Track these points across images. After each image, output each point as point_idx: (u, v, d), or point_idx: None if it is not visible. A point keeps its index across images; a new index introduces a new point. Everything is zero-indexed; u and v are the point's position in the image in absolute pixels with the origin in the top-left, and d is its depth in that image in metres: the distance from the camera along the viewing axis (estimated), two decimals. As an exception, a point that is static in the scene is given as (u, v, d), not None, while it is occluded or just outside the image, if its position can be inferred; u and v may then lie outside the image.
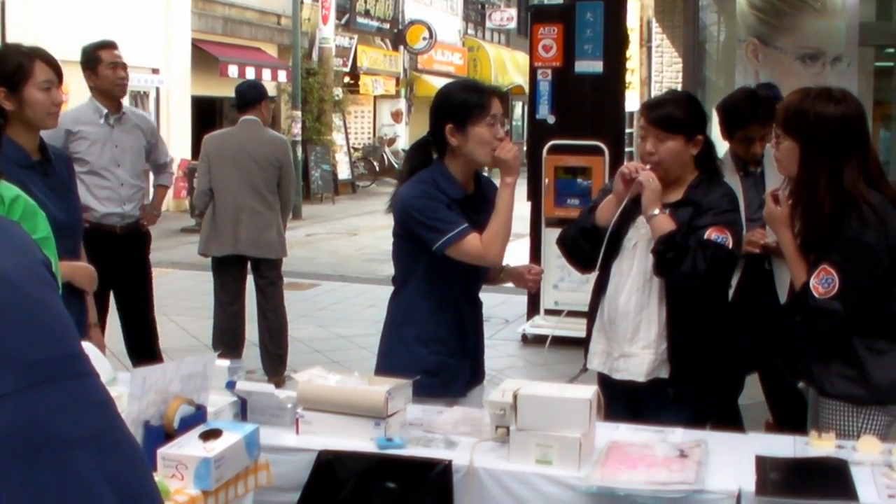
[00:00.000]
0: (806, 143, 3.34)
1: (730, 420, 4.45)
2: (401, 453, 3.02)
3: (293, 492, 3.00)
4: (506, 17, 37.33)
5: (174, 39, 19.40)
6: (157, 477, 2.38)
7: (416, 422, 3.25)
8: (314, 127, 23.66)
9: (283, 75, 22.29)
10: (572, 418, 2.92)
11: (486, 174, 3.92)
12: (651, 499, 2.72)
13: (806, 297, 3.31)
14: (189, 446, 2.64)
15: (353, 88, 27.45)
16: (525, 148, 8.99)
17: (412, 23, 30.32)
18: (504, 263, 3.86)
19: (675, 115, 3.72)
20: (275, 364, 7.11)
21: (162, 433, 2.69)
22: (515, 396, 2.93)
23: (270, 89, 7.56)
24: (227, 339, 6.96)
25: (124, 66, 6.10)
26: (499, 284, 4.29)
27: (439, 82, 30.26)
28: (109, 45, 6.09)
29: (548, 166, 8.35)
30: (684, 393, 3.70)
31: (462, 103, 3.63)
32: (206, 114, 21.09)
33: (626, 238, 3.79)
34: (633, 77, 17.73)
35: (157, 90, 19.28)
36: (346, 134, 26.53)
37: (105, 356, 5.88)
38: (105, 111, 6.00)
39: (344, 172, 25.85)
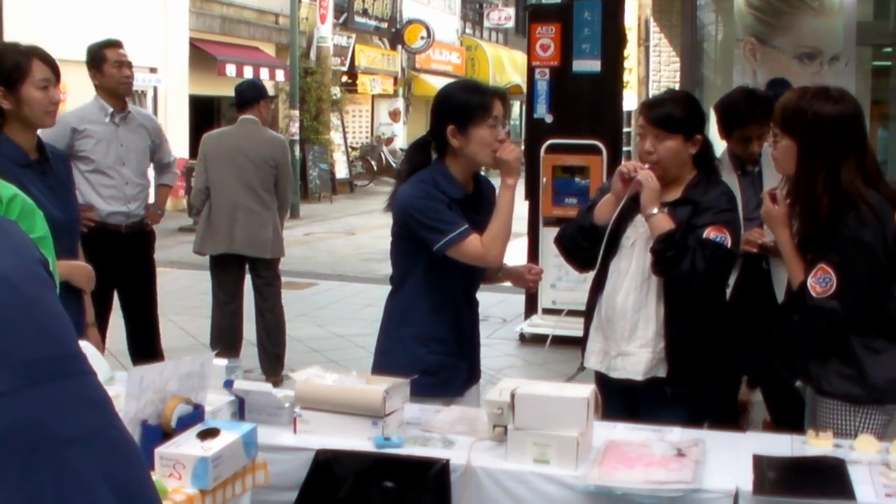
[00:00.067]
0: (804, 142, 3.34)
1: (727, 419, 4.45)
2: (398, 452, 3.02)
3: (291, 491, 3.00)
4: (504, 16, 37.33)
5: (172, 38, 19.39)
6: (154, 476, 2.37)
7: (413, 421, 3.25)
8: (312, 126, 23.66)
9: (280, 74, 22.29)
10: (570, 417, 2.92)
11: (483, 173, 3.91)
12: (648, 498, 2.72)
13: (803, 297, 3.31)
14: (187, 445, 2.64)
15: (350, 88, 27.45)
16: (523, 147, 8.98)
17: (410, 22, 30.32)
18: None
19: (675, 114, 3.72)
20: (272, 363, 7.11)
21: (159, 432, 2.69)
22: (513, 396, 2.93)
23: (268, 88, 7.55)
24: (225, 339, 6.96)
25: (129, 65, 6.11)
26: (496, 284, 4.29)
27: (437, 82, 30.32)
28: (115, 44, 6.10)
29: (545, 165, 8.35)
30: (682, 392, 3.70)
31: (464, 104, 3.63)
32: (203, 113, 21.08)
33: (625, 237, 3.80)
34: (630, 76, 17.72)
35: (155, 89, 19.27)
36: (344, 133, 26.53)
37: (103, 355, 5.93)
38: (111, 110, 6.01)
39: (342, 172, 25.86)
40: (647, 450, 2.98)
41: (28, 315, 1.03)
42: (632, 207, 3.75)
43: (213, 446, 2.63)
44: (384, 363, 3.70)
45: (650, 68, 15.63)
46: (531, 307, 8.81)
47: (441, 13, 33.45)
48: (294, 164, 18.98)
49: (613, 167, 7.22)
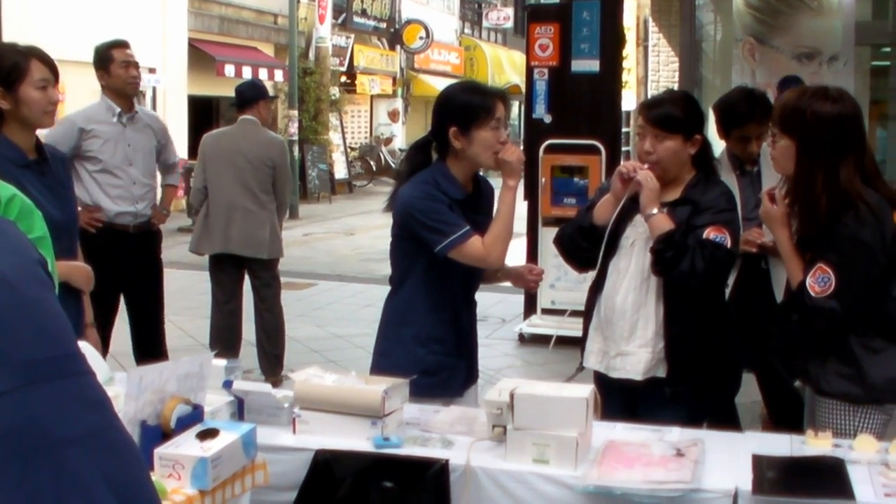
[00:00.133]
0: (802, 141, 3.34)
1: (726, 419, 4.45)
2: (398, 452, 3.02)
3: (290, 491, 3.00)
4: (502, 16, 37.33)
5: (171, 39, 19.39)
6: (153, 477, 2.37)
7: (412, 421, 3.25)
8: (311, 126, 23.66)
9: (279, 75, 22.28)
10: (569, 417, 2.92)
11: (481, 174, 3.91)
12: (648, 498, 2.72)
13: (802, 296, 3.32)
14: (186, 446, 2.64)
15: (349, 88, 27.45)
16: (522, 147, 8.98)
17: (409, 22, 30.32)
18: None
19: (674, 114, 3.72)
20: (271, 364, 7.11)
21: (159, 433, 2.69)
22: (512, 396, 2.93)
23: (268, 89, 7.54)
24: (224, 339, 6.96)
25: (136, 65, 6.13)
26: (495, 284, 4.29)
27: (436, 82, 30.34)
28: (121, 45, 6.12)
29: (544, 165, 8.35)
30: (681, 392, 3.70)
31: (467, 106, 3.63)
32: (202, 113, 21.08)
33: (624, 236, 3.80)
34: (629, 76, 17.75)
35: (154, 89, 19.26)
36: (343, 133, 26.53)
37: (106, 357, 5.93)
38: (118, 110, 6.02)
39: (341, 172, 25.86)
40: (647, 450, 2.98)
41: (27, 315, 1.03)
42: (631, 207, 3.75)
43: (212, 447, 2.62)
44: (383, 363, 3.70)
45: (649, 68, 15.64)
46: (530, 307, 8.82)
47: (440, 13, 33.45)
48: (293, 165, 19.01)
49: (612, 167, 7.23)
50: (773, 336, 3.83)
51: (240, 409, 3.20)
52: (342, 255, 15.02)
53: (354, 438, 3.06)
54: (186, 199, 15.97)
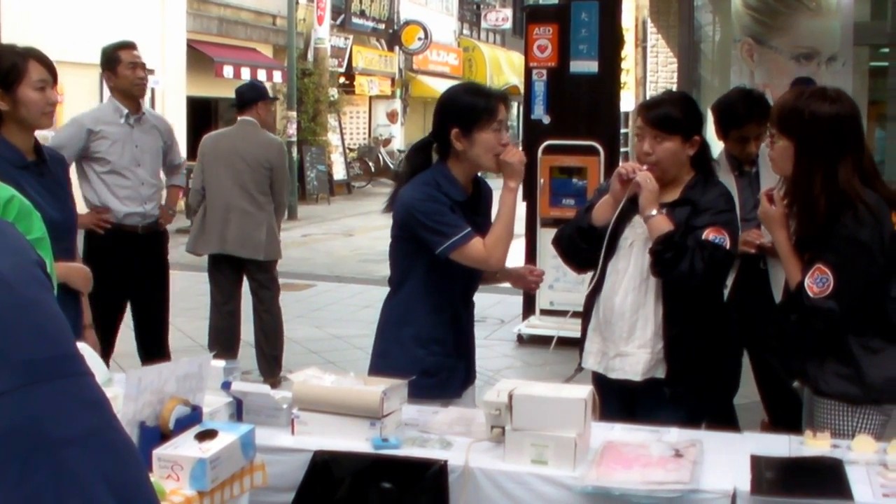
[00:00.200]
0: (801, 142, 3.34)
1: (725, 420, 4.45)
2: (396, 453, 3.02)
3: (289, 492, 3.00)
4: (501, 17, 37.34)
5: (169, 40, 19.39)
6: (152, 477, 2.37)
7: (411, 422, 3.25)
8: (309, 127, 23.65)
9: (278, 76, 22.28)
10: (568, 418, 2.92)
11: (479, 175, 3.91)
12: (646, 498, 2.72)
13: (801, 297, 3.32)
14: (185, 447, 2.64)
15: (348, 89, 27.46)
16: (520, 148, 8.98)
17: (407, 23, 30.33)
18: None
19: (673, 115, 3.72)
20: (270, 365, 7.11)
21: (157, 434, 2.69)
22: (511, 396, 2.93)
23: (267, 90, 7.54)
24: (223, 339, 6.96)
25: (143, 66, 6.15)
26: (494, 284, 4.29)
27: (435, 83, 30.36)
28: (129, 46, 6.14)
29: (543, 166, 8.35)
30: (680, 392, 3.70)
31: (469, 108, 3.63)
32: (201, 114, 21.07)
33: (623, 237, 3.80)
34: (628, 77, 17.72)
35: (153, 91, 19.24)
36: (342, 134, 26.53)
37: (111, 358, 5.94)
38: (126, 111, 6.04)
39: (339, 173, 25.86)
40: (645, 450, 2.98)
41: (26, 316, 1.03)
42: (630, 208, 3.75)
43: (211, 448, 2.62)
44: (382, 364, 3.70)
45: (647, 69, 15.64)
46: (529, 308, 8.82)
47: (438, 14, 33.46)
48: (291, 166, 19.03)
49: (611, 168, 7.24)
50: (771, 336, 3.84)
51: (238, 410, 3.20)
52: (341, 257, 15.02)
53: (353, 439, 3.06)
54: (185, 200, 15.98)
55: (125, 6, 17.77)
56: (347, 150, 27.03)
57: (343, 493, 2.96)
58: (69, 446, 0.99)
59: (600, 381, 3.76)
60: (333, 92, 25.46)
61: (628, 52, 17.39)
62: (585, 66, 8.35)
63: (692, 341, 3.71)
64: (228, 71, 20.61)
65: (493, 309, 9.81)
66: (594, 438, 3.06)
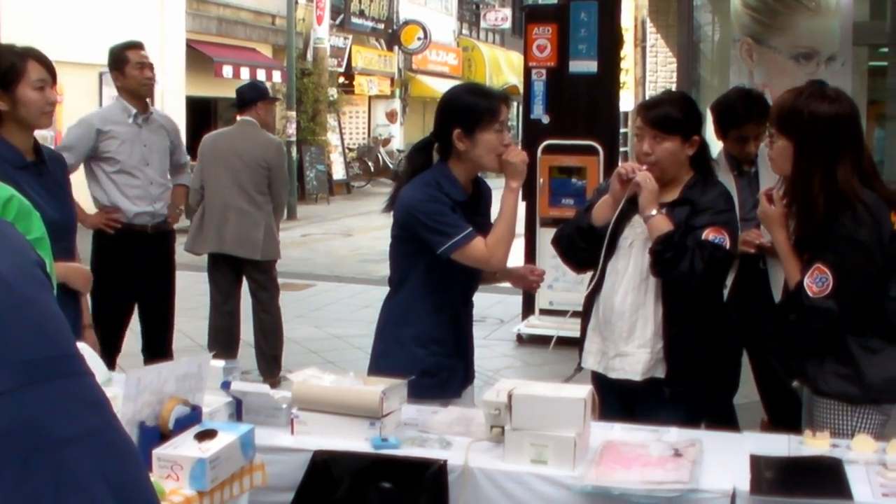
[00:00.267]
0: (800, 141, 3.34)
1: (725, 419, 4.45)
2: (396, 453, 3.02)
3: (288, 492, 3.00)
4: (500, 17, 37.33)
5: (169, 40, 19.38)
6: (152, 477, 2.37)
7: (410, 422, 3.25)
8: (309, 127, 23.65)
9: (277, 76, 22.27)
10: (567, 418, 2.92)
11: (478, 175, 3.91)
12: (646, 498, 2.72)
13: (800, 296, 3.32)
14: (184, 447, 2.64)
15: (347, 89, 27.45)
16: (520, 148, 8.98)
17: (407, 23, 30.32)
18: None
19: (673, 115, 3.72)
20: (269, 365, 7.11)
21: (157, 434, 2.69)
22: (510, 396, 2.93)
23: (268, 90, 7.56)
24: (222, 339, 6.96)
25: (151, 67, 6.17)
26: (494, 284, 4.30)
27: (434, 82, 30.36)
28: (136, 46, 6.17)
29: (542, 166, 8.36)
30: (680, 392, 3.70)
31: (472, 108, 3.63)
32: (200, 114, 21.06)
33: (622, 237, 3.80)
34: (627, 77, 17.72)
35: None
36: (341, 134, 26.52)
37: (116, 358, 5.95)
38: (134, 111, 6.06)
39: (339, 173, 25.85)
40: (645, 450, 2.98)
41: (25, 316, 1.03)
42: (629, 208, 3.76)
43: (210, 447, 2.62)
44: (382, 364, 3.70)
45: (647, 69, 15.65)
46: (528, 308, 8.82)
47: (437, 14, 33.45)
48: (291, 166, 19.01)
49: (610, 168, 7.24)
50: (771, 336, 3.84)
51: (238, 410, 3.20)
52: (340, 256, 15.02)
53: (352, 439, 3.06)
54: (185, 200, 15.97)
55: (124, 6, 17.77)
56: (347, 150, 27.03)
57: (342, 492, 2.96)
58: (69, 446, 0.99)
59: (600, 381, 3.76)
60: (333, 92, 25.45)
61: (627, 52, 17.39)
62: (584, 65, 8.35)
63: (692, 341, 3.71)
64: (228, 71, 20.61)
65: (493, 309, 9.81)
66: (594, 438, 3.06)
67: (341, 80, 26.93)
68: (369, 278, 12.20)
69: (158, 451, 2.60)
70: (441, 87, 28.30)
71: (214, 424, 2.81)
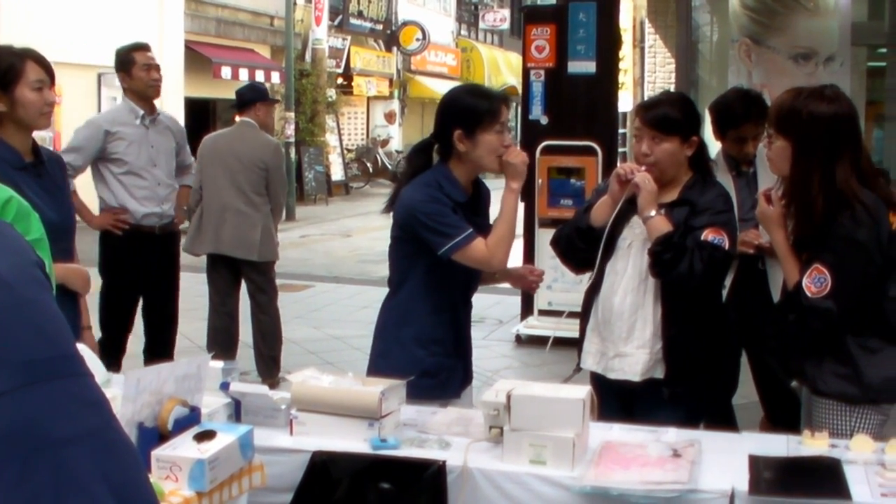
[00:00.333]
0: (798, 142, 3.35)
1: (724, 420, 4.45)
2: (395, 454, 3.02)
3: (287, 492, 3.00)
4: (499, 17, 37.33)
5: (167, 41, 19.38)
6: (151, 478, 2.37)
7: (409, 422, 3.25)
8: (307, 128, 23.65)
9: (276, 76, 22.27)
10: (566, 418, 2.92)
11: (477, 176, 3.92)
12: (645, 498, 2.72)
13: (799, 297, 3.32)
14: (183, 448, 2.63)
15: (346, 90, 27.45)
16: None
17: (405, 24, 30.33)
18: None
19: (672, 115, 3.72)
20: (268, 366, 7.11)
21: (156, 434, 2.69)
22: (509, 397, 2.93)
23: (267, 91, 7.59)
24: (221, 340, 6.97)
25: (157, 68, 6.20)
26: (493, 285, 4.30)
27: (433, 83, 30.35)
28: (143, 47, 6.20)
29: (541, 167, 8.36)
30: (679, 393, 3.70)
31: (472, 109, 3.64)
32: (199, 115, 21.06)
33: (621, 238, 3.80)
34: (626, 77, 17.75)
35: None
36: (340, 135, 26.52)
37: (122, 360, 5.95)
38: (141, 112, 6.10)
39: (337, 174, 25.86)
40: (643, 450, 2.98)
41: (25, 316, 1.03)
42: (628, 209, 3.75)
43: (209, 448, 2.62)
44: (382, 365, 3.70)
45: (645, 69, 15.66)
46: (527, 309, 8.82)
47: (436, 15, 33.45)
48: (289, 167, 19.01)
49: (609, 168, 7.23)
50: (769, 336, 3.84)
51: (237, 411, 3.20)
52: (339, 257, 15.02)
53: (351, 440, 3.06)
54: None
55: (123, 7, 17.78)
56: (345, 151, 27.03)
57: (341, 493, 2.96)
58: (69, 446, 0.99)
59: (599, 382, 3.76)
60: (331, 93, 25.45)
61: (626, 53, 17.41)
62: (583, 66, 8.35)
63: (691, 342, 3.71)
64: (226, 72, 20.61)
65: (492, 309, 9.81)
66: (592, 438, 3.07)
67: (340, 80, 26.93)
68: (368, 279, 12.20)
69: (157, 452, 2.60)
70: (440, 87, 28.32)
71: (213, 425, 2.81)
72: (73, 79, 15.53)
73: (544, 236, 7.55)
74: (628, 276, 3.75)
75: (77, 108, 16.16)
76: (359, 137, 30.22)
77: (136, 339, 6.39)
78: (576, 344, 3.99)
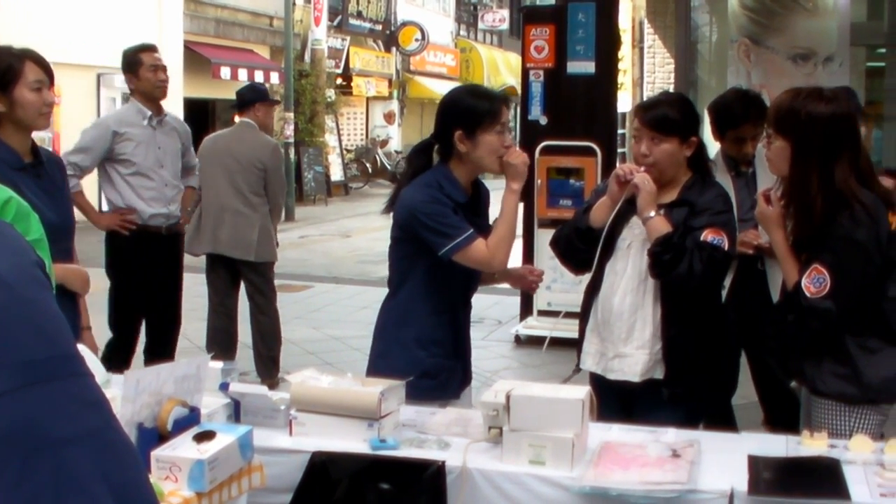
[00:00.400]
0: (797, 142, 3.35)
1: (723, 420, 4.46)
2: (394, 454, 3.02)
3: (286, 493, 3.00)
4: (498, 18, 37.34)
5: (166, 41, 19.33)
6: (151, 479, 2.37)
7: (409, 423, 3.25)
8: (307, 129, 23.65)
9: (275, 77, 22.28)
10: (565, 419, 2.92)
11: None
12: (644, 499, 2.73)
13: (798, 297, 3.32)
14: (183, 448, 2.64)
15: (345, 90, 27.46)
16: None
17: (404, 24, 30.33)
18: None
19: (671, 116, 3.72)
20: (267, 367, 7.11)
21: (155, 435, 2.69)
22: (508, 397, 2.93)
23: (267, 92, 7.62)
24: (220, 339, 6.98)
25: (164, 69, 6.23)
26: (492, 285, 4.30)
27: (432, 84, 30.35)
28: (150, 48, 6.22)
29: (540, 167, 8.36)
30: (679, 393, 3.70)
31: (473, 110, 3.64)
32: (198, 116, 21.05)
33: (620, 238, 3.80)
34: (625, 78, 17.76)
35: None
36: (339, 135, 26.53)
37: (129, 362, 5.97)
38: (149, 113, 6.12)
39: (336, 174, 25.86)
40: (643, 451, 2.98)
41: (25, 316, 1.03)
42: (627, 209, 3.75)
43: (209, 449, 2.63)
44: (382, 365, 3.70)
45: (644, 70, 15.67)
46: (526, 309, 8.82)
47: (435, 15, 33.46)
48: (289, 167, 19.01)
49: (608, 169, 7.24)
50: (769, 337, 3.84)
51: (236, 412, 3.20)
52: (338, 258, 15.01)
53: (351, 440, 3.06)
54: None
55: (122, 8, 17.78)
56: (345, 152, 27.03)
57: (341, 493, 2.96)
58: (69, 446, 0.99)
59: (598, 382, 3.76)
60: (330, 93, 25.46)
61: (625, 53, 17.42)
62: (582, 66, 8.35)
63: (690, 342, 3.71)
64: (225, 72, 20.63)
65: (491, 310, 9.81)
66: (592, 439, 3.07)
67: (339, 81, 26.94)
68: (367, 279, 12.20)
69: (157, 453, 2.61)
70: (439, 88, 28.33)
71: (213, 426, 2.81)
72: (72, 79, 15.53)
73: (543, 237, 7.55)
74: (628, 276, 3.75)
75: (76, 109, 16.17)
76: (358, 138, 30.23)
77: (138, 339, 6.39)
78: (574, 344, 3.99)
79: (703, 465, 2.89)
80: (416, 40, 30.13)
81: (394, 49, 30.47)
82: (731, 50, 7.96)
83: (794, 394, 3.76)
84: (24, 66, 3.79)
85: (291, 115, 20.94)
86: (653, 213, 3.65)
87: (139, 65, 6.08)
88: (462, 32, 36.57)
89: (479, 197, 3.83)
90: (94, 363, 3.14)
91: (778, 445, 3.11)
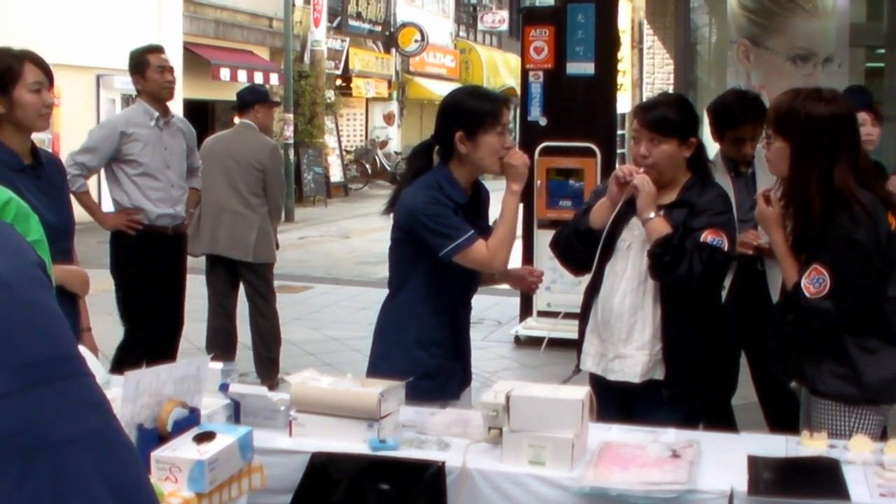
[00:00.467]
0: (797, 142, 3.35)
1: (723, 420, 4.46)
2: (394, 455, 3.02)
3: (286, 494, 3.00)
4: (497, 19, 37.35)
5: (166, 42, 19.16)
6: (151, 479, 2.37)
7: (409, 423, 3.25)
8: (306, 130, 23.66)
9: (274, 78, 22.28)
10: (565, 419, 2.92)
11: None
12: (643, 499, 2.73)
13: (797, 297, 3.32)
14: (183, 449, 2.64)
15: (344, 91, 27.47)
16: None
17: (404, 25, 30.34)
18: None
19: (670, 117, 3.72)
20: (267, 368, 7.11)
21: (155, 436, 2.69)
22: (508, 398, 2.93)
23: (268, 93, 7.64)
24: (220, 340, 6.98)
25: (171, 70, 6.25)
26: (491, 286, 4.30)
27: (431, 85, 30.36)
28: (156, 50, 6.24)
29: (540, 168, 8.36)
30: (678, 394, 3.70)
31: (474, 111, 3.64)
32: (197, 117, 21.03)
33: (620, 239, 3.80)
34: (624, 79, 17.76)
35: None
36: (339, 136, 26.53)
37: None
38: (156, 114, 6.14)
39: (336, 175, 25.87)
40: (642, 451, 2.98)
41: (26, 317, 1.03)
42: (627, 210, 3.75)
43: (209, 450, 2.62)
44: (382, 366, 3.70)
45: (644, 71, 15.67)
46: (526, 310, 8.82)
47: (435, 16, 33.46)
48: (288, 168, 19.01)
49: (607, 169, 7.25)
50: (769, 337, 3.84)
51: (236, 412, 3.20)
52: (338, 259, 15.02)
53: (351, 441, 3.06)
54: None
55: (122, 9, 17.78)
56: (344, 153, 27.04)
57: (341, 494, 2.96)
58: (69, 447, 0.99)
59: (598, 383, 3.76)
60: (330, 94, 25.47)
61: (625, 54, 17.42)
62: (582, 67, 8.36)
63: (690, 343, 3.71)
64: (225, 73, 20.63)
65: (491, 310, 9.81)
66: (591, 439, 3.07)
67: (338, 82, 26.95)
68: (367, 280, 12.21)
69: (157, 454, 2.60)
70: (438, 89, 28.34)
71: (213, 426, 2.81)
72: (71, 80, 15.53)
73: (543, 237, 7.56)
74: (627, 277, 3.75)
75: (76, 110, 16.18)
76: (357, 139, 30.23)
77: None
78: (574, 345, 3.99)
79: (702, 465, 2.89)
80: (416, 41, 30.14)
81: (393, 50, 30.48)
82: (731, 51, 7.98)
83: (794, 394, 3.76)
84: (24, 67, 3.79)
85: (291, 116, 20.95)
86: (652, 215, 3.64)
87: (146, 66, 6.09)
88: (461, 33, 36.58)
89: (480, 198, 3.83)
90: (94, 364, 3.13)
91: (778, 446, 3.11)
